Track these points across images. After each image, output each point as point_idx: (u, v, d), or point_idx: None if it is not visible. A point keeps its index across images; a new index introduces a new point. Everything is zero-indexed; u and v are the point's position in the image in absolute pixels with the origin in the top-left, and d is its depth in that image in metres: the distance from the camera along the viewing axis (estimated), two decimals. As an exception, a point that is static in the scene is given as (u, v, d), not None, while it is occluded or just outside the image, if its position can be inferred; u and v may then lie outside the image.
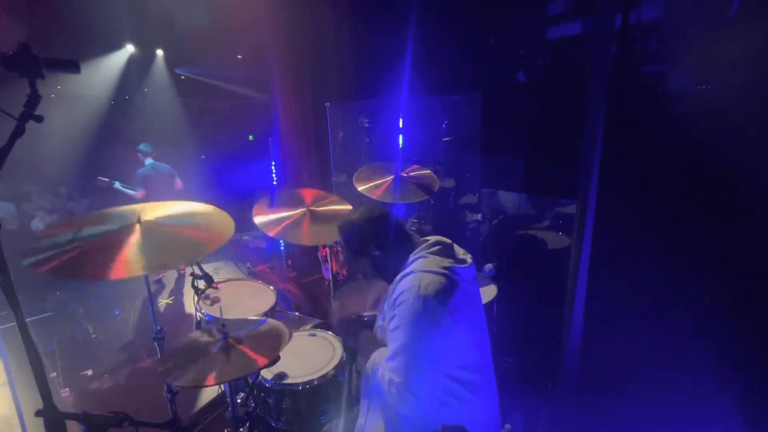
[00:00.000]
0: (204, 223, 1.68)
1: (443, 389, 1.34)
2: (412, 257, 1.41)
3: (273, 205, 2.49)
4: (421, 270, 1.33)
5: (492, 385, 1.50)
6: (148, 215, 1.64)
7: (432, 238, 1.48)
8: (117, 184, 4.72)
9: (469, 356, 1.38)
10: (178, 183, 5.08)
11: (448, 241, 1.49)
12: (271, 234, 2.32)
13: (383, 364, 1.33)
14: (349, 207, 2.55)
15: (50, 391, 1.07)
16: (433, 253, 1.39)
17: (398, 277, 1.39)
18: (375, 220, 1.46)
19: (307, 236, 2.35)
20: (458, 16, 3.57)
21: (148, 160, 4.84)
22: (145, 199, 4.75)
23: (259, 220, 2.37)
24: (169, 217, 1.69)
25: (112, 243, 1.46)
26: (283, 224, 2.37)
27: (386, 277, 1.49)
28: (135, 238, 1.51)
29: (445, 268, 1.33)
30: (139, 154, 4.86)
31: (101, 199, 5.10)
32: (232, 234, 1.63)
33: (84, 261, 1.35)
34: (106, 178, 4.67)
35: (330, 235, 2.40)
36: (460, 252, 1.48)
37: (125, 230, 1.53)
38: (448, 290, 1.29)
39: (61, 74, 1.11)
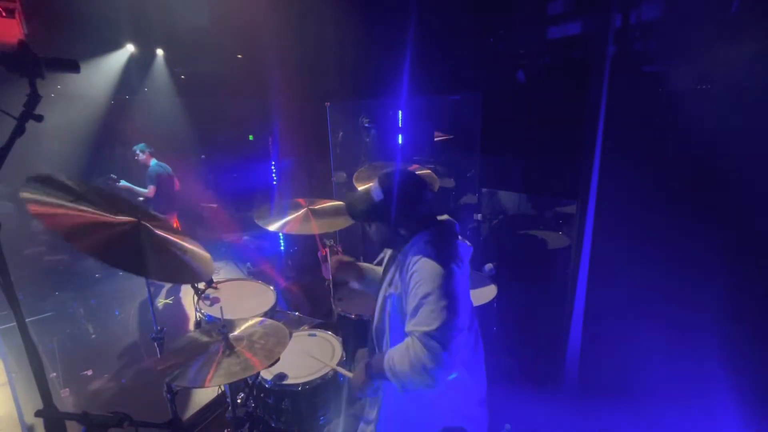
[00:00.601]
0: (191, 254, 1.66)
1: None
2: (421, 234, 1.42)
3: (272, 213, 2.50)
4: (433, 241, 1.37)
5: (481, 370, 1.54)
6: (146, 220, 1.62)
7: (442, 217, 1.54)
8: (122, 183, 4.79)
9: (468, 327, 1.42)
10: (176, 183, 5.17)
11: (453, 220, 1.56)
12: (284, 231, 2.34)
13: (401, 345, 1.30)
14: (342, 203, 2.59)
15: (50, 391, 1.07)
16: (441, 229, 1.46)
17: (406, 249, 1.41)
18: (415, 196, 1.45)
19: (317, 226, 2.37)
20: (458, 15, 3.56)
21: (154, 160, 4.94)
22: (154, 197, 4.81)
23: (265, 224, 2.39)
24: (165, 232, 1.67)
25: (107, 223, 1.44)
26: (291, 221, 2.40)
27: (392, 244, 1.53)
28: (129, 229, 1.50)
29: (454, 241, 1.42)
30: (143, 154, 4.90)
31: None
32: (209, 275, 1.63)
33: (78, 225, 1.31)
34: (115, 175, 4.77)
35: (340, 222, 2.42)
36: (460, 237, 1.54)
37: (123, 221, 1.51)
38: (459, 258, 1.36)
39: (61, 74, 1.11)
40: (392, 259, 1.53)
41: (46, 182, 1.34)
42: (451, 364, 1.20)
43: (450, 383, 1.33)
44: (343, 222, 2.42)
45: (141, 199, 4.82)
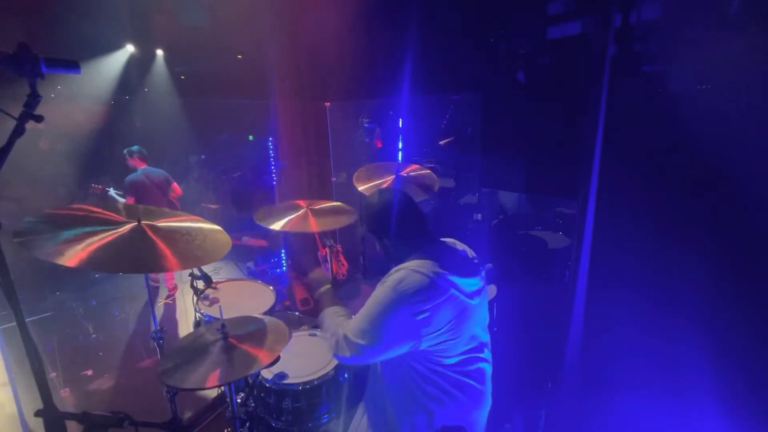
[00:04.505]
0: (201, 235, 1.68)
1: (428, 380, 1.39)
2: (415, 254, 1.41)
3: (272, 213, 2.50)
4: (410, 268, 1.36)
5: (482, 392, 1.50)
6: (148, 219, 1.63)
7: (448, 240, 1.52)
8: (111, 191, 4.51)
9: (459, 360, 1.40)
10: (176, 189, 4.75)
11: (461, 247, 1.51)
12: (281, 229, 2.34)
13: (346, 322, 1.45)
14: (349, 208, 2.57)
15: (50, 391, 1.07)
16: (432, 256, 1.39)
17: (395, 268, 1.42)
18: (394, 210, 1.47)
19: (315, 225, 2.39)
20: (458, 15, 3.57)
21: (144, 166, 4.57)
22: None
23: (264, 222, 2.38)
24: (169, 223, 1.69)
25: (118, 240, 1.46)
26: (290, 220, 2.41)
27: (390, 260, 1.53)
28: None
29: (435, 273, 1.33)
30: (130, 158, 4.53)
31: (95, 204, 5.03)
32: (227, 248, 1.64)
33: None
34: (99, 184, 4.48)
35: (337, 221, 2.44)
36: (471, 261, 1.49)
37: (128, 230, 1.52)
38: (425, 294, 1.31)
39: (61, 74, 1.11)
40: None
41: (35, 227, 1.34)
42: (353, 363, 1.37)
43: (443, 400, 1.40)
44: (345, 220, 2.41)
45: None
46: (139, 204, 4.26)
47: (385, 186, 2.69)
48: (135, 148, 4.59)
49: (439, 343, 1.35)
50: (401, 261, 1.44)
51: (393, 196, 1.51)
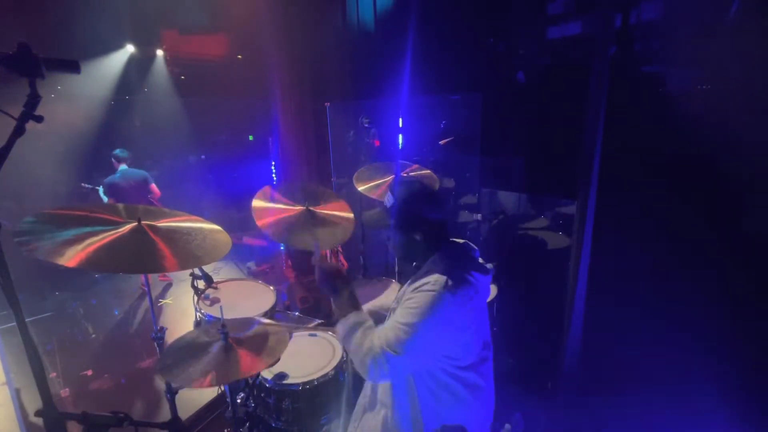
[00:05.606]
0: (200, 235, 1.68)
1: (443, 385, 1.36)
2: (438, 254, 1.39)
3: (273, 196, 2.47)
4: (452, 267, 1.33)
5: (490, 392, 1.51)
6: (149, 218, 1.63)
7: (459, 240, 1.50)
8: (100, 190, 4.53)
9: (476, 359, 1.39)
10: (155, 190, 4.74)
11: (474, 246, 1.51)
12: (284, 242, 2.28)
13: (375, 331, 1.31)
14: (350, 215, 2.47)
15: (50, 391, 1.07)
16: (461, 254, 1.42)
17: (424, 269, 1.38)
18: (432, 205, 1.41)
19: (317, 238, 2.20)
20: (458, 16, 3.57)
21: (122, 166, 4.57)
22: None
23: (259, 219, 2.33)
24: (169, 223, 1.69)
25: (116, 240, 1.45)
26: (292, 229, 2.27)
27: (410, 259, 1.49)
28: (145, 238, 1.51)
29: (469, 271, 1.35)
30: (114, 160, 4.60)
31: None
32: (226, 248, 1.64)
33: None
34: (89, 184, 4.52)
35: (339, 232, 2.32)
36: (480, 260, 1.49)
37: (128, 230, 1.52)
38: (471, 292, 1.31)
39: (61, 74, 1.10)
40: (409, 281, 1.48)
41: (36, 227, 1.34)
42: (387, 377, 1.27)
43: (451, 403, 1.37)
44: (344, 233, 2.32)
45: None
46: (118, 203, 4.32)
47: (384, 186, 2.68)
48: (116, 151, 4.65)
49: (467, 342, 1.35)
50: (425, 260, 1.41)
51: (426, 186, 1.43)
